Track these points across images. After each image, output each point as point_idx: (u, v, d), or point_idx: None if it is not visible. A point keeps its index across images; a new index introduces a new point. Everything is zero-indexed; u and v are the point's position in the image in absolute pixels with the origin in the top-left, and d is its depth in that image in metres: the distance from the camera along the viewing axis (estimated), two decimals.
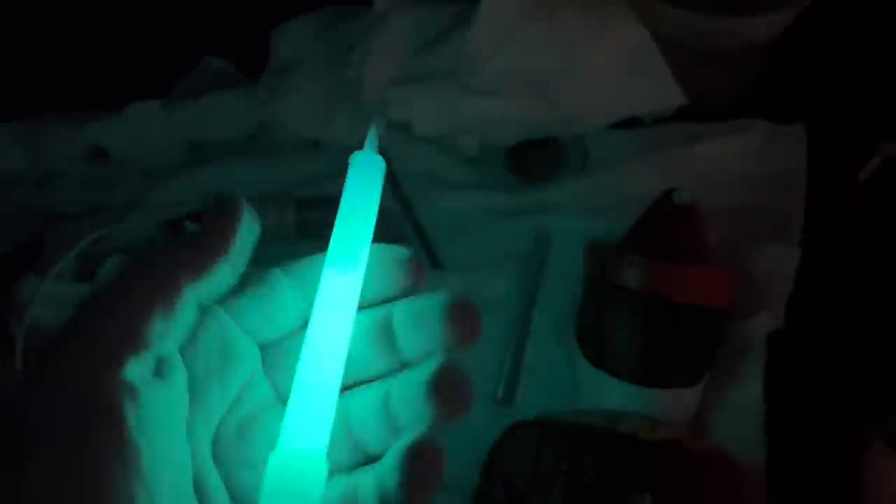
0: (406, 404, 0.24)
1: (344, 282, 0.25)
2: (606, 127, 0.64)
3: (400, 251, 0.26)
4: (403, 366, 0.25)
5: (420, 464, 0.22)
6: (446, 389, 0.23)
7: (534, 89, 0.61)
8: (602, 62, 0.61)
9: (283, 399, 0.25)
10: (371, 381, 0.25)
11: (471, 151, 0.63)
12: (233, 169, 0.62)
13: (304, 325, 0.25)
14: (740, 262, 0.57)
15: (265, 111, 0.64)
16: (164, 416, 0.21)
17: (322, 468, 0.23)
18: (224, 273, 0.24)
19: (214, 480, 0.23)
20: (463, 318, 0.24)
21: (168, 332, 0.22)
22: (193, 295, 0.23)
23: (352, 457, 0.25)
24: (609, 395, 0.52)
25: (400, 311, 0.25)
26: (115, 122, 0.63)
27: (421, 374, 0.24)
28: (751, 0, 0.68)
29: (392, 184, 0.63)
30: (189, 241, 0.24)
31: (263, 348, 0.26)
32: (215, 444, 0.24)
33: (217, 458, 0.24)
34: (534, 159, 0.64)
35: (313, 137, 0.65)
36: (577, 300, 0.56)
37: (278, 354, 0.26)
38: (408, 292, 0.26)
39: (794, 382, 0.54)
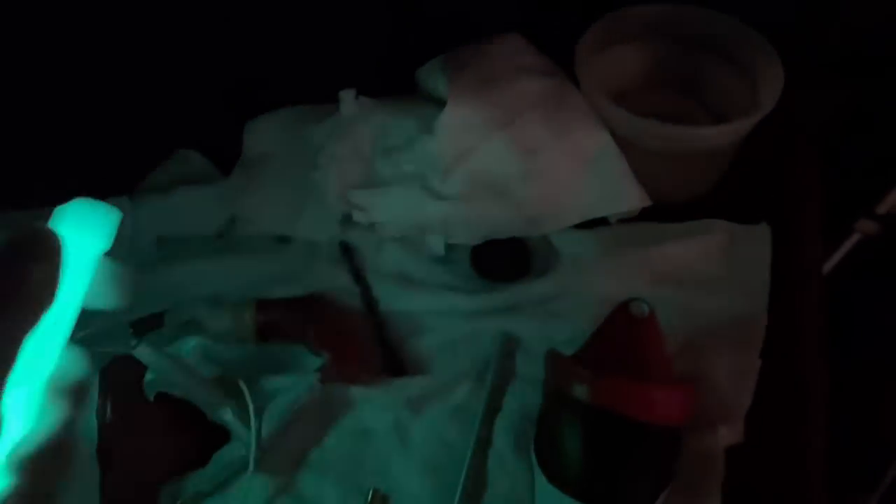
0: None
1: None
2: (571, 227, 0.64)
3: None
4: None
5: None
6: None
7: (497, 193, 0.61)
8: (564, 166, 0.61)
9: None
10: None
11: (437, 250, 0.64)
12: (198, 268, 0.63)
13: None
14: (700, 373, 0.56)
15: (234, 207, 0.65)
16: None
17: None
18: None
19: None
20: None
21: None
22: None
23: None
24: None
25: None
26: None
27: None
28: (713, 108, 0.69)
29: (359, 283, 0.63)
30: None
31: None
32: None
33: None
34: (499, 260, 0.64)
35: (280, 233, 0.65)
36: (538, 408, 0.56)
37: None
38: None
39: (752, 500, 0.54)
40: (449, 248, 0.64)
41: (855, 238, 0.99)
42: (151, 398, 0.56)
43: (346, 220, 0.63)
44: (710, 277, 0.62)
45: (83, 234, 0.27)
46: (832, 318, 0.66)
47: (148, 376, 0.56)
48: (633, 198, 0.62)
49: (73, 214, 0.27)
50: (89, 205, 0.27)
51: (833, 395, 0.63)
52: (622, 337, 0.53)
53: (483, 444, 0.56)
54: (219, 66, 0.75)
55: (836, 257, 0.98)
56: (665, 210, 0.65)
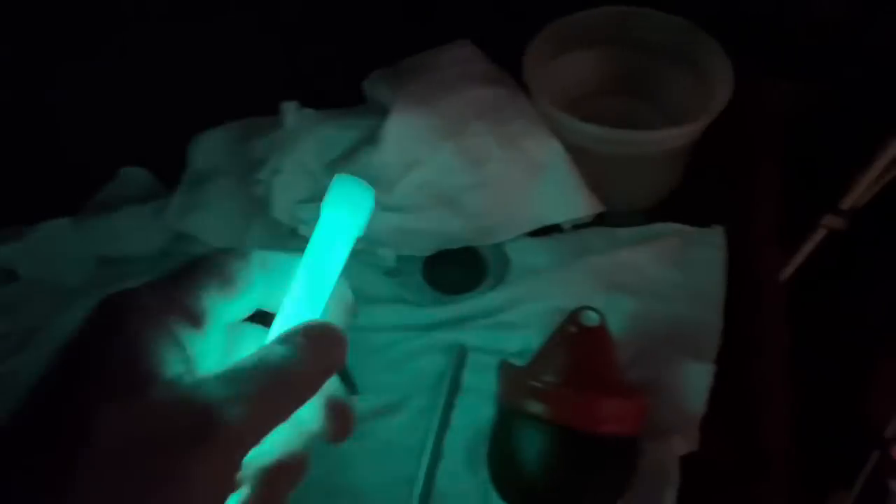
0: None
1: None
2: (525, 235, 0.63)
3: (349, 295, 0.30)
4: None
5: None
6: None
7: (447, 203, 0.60)
8: (513, 175, 0.60)
9: None
10: None
11: (388, 263, 0.63)
12: None
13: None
14: (654, 381, 0.56)
15: (179, 224, 0.63)
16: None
17: None
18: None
19: None
20: (334, 414, 0.29)
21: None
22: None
23: None
24: None
25: None
26: (24, 243, 0.62)
27: None
28: (668, 112, 0.69)
29: None
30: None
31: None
32: None
33: None
34: (452, 271, 0.63)
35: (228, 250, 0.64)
36: (491, 423, 0.54)
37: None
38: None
39: None
40: (400, 260, 0.63)
41: (821, 234, 0.99)
42: None
43: (293, 234, 0.61)
44: (663, 283, 0.61)
45: (348, 211, 0.29)
46: (806, 315, 0.66)
47: None
48: (584, 205, 0.62)
49: (338, 192, 0.29)
50: (354, 184, 0.29)
51: (814, 390, 0.62)
52: (573, 347, 0.52)
53: (435, 459, 0.55)
54: (168, 80, 0.74)
55: (805, 251, 0.98)
56: (622, 215, 0.65)
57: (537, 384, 0.51)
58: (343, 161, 0.59)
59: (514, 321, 0.60)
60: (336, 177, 0.29)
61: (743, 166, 0.70)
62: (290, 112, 0.61)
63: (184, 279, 0.27)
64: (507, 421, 0.52)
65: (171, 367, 0.25)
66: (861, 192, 0.91)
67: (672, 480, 0.52)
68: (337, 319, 0.29)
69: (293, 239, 0.62)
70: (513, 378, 0.53)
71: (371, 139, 0.58)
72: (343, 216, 0.29)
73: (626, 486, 0.51)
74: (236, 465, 0.25)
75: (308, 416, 0.29)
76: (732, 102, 0.61)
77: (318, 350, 0.27)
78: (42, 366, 0.54)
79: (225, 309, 0.28)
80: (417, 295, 0.62)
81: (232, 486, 0.25)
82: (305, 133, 0.60)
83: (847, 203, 0.94)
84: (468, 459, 0.55)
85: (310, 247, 0.29)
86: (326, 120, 0.61)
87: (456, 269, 0.63)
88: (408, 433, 0.56)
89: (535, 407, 0.50)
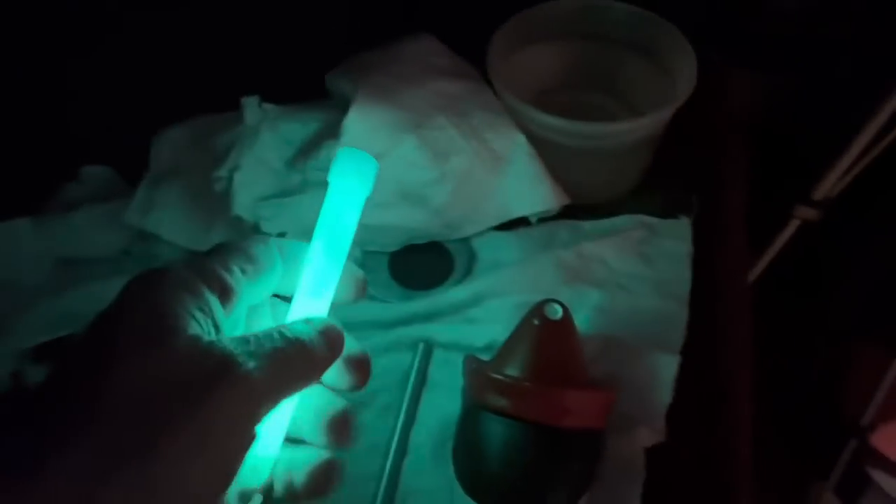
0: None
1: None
2: (491, 229, 0.63)
3: (360, 272, 0.34)
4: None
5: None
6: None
7: (412, 197, 0.60)
8: (478, 168, 0.60)
9: None
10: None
11: (353, 259, 0.62)
12: (103, 289, 0.60)
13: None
14: (620, 373, 0.55)
15: (141, 223, 0.62)
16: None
17: None
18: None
19: None
20: (356, 368, 0.32)
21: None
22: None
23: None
24: None
25: None
26: None
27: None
28: (634, 104, 0.68)
29: (272, 296, 0.61)
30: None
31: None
32: None
33: None
34: (418, 266, 0.62)
35: (191, 248, 0.63)
36: (457, 419, 0.54)
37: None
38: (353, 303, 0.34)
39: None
40: (366, 256, 0.63)
41: (794, 225, 0.99)
42: None
43: (256, 231, 0.61)
44: (629, 275, 0.61)
45: (353, 180, 0.30)
46: (782, 306, 0.66)
47: None
48: (550, 197, 0.61)
49: (343, 164, 0.30)
50: (357, 155, 0.31)
51: (791, 381, 0.62)
52: (537, 340, 0.52)
53: (400, 455, 0.55)
54: (130, 76, 0.73)
55: (779, 243, 0.98)
56: (588, 207, 0.64)
57: (501, 378, 0.50)
58: (304, 156, 0.58)
59: (480, 316, 0.60)
60: (340, 150, 0.31)
61: (709, 158, 0.70)
62: (251, 107, 0.60)
63: (215, 256, 0.29)
64: (472, 416, 0.52)
65: (196, 325, 0.26)
66: (834, 181, 0.91)
67: (638, 473, 0.52)
68: (349, 294, 0.33)
69: (255, 236, 0.61)
70: (478, 373, 0.53)
71: (332, 133, 0.57)
72: (352, 184, 0.30)
73: (592, 479, 0.51)
74: (253, 417, 0.26)
75: (329, 373, 0.31)
76: (698, 94, 0.61)
77: (328, 338, 0.30)
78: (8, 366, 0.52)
79: (249, 289, 0.29)
80: (383, 291, 0.62)
81: (249, 438, 0.26)
82: (266, 128, 0.59)
83: (820, 193, 0.95)
84: (434, 455, 0.54)
85: (322, 215, 0.30)
86: (287, 114, 0.61)
87: (422, 265, 0.63)
88: (373, 429, 0.56)
89: (499, 401, 0.50)
